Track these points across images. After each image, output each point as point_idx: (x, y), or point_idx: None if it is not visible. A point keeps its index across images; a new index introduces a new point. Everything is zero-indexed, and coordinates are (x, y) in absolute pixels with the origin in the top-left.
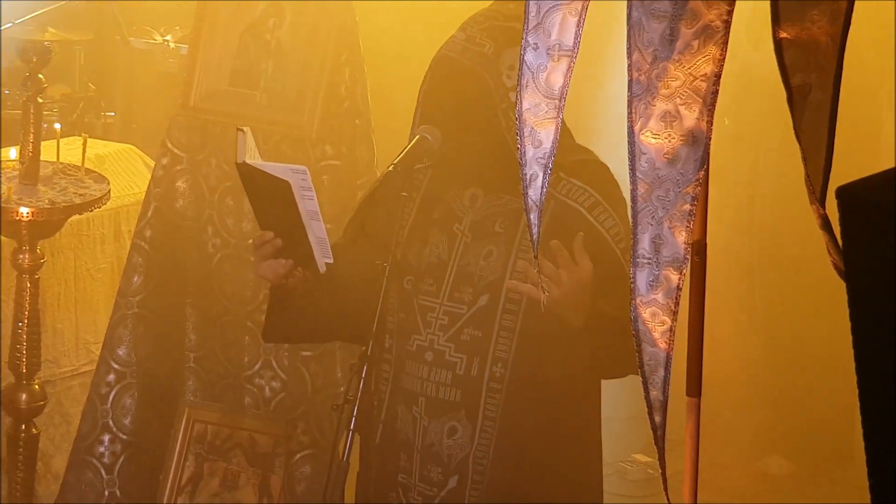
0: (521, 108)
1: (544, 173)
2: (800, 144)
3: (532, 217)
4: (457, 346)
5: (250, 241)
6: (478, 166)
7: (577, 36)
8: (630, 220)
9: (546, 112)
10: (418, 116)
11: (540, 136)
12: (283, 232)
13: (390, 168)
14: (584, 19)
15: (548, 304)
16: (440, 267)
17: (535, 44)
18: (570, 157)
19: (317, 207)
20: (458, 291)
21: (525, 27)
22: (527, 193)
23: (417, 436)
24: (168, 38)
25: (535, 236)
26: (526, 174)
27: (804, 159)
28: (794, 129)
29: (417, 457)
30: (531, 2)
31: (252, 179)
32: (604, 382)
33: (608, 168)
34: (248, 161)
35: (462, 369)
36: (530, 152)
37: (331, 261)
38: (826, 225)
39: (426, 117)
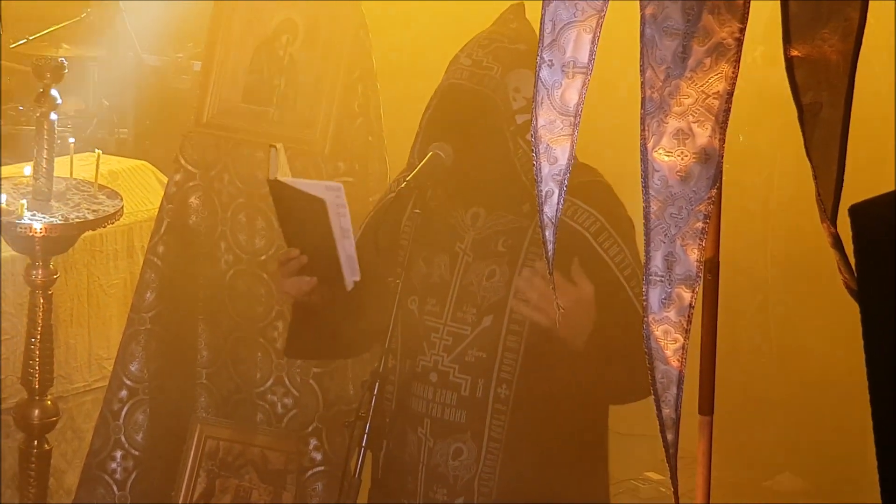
0: (537, 124)
1: (560, 190)
2: (811, 163)
3: (548, 234)
4: (461, 367)
5: (262, 257)
6: (481, 186)
7: (592, 53)
8: (643, 237)
9: (561, 129)
10: (419, 141)
11: (555, 152)
12: (310, 249)
13: (403, 185)
14: (598, 36)
15: (549, 324)
16: (442, 287)
17: (550, 61)
18: (575, 178)
19: (349, 225)
20: (461, 311)
21: (540, 44)
22: (542, 210)
23: (423, 457)
24: (181, 54)
25: (550, 253)
26: (542, 191)
27: (815, 178)
28: (805, 147)
29: (422, 478)
30: (546, 19)
31: (282, 196)
32: None
33: (612, 188)
34: (280, 178)
35: (467, 390)
36: (546, 169)
37: (358, 278)
38: (837, 244)
39: (430, 139)
